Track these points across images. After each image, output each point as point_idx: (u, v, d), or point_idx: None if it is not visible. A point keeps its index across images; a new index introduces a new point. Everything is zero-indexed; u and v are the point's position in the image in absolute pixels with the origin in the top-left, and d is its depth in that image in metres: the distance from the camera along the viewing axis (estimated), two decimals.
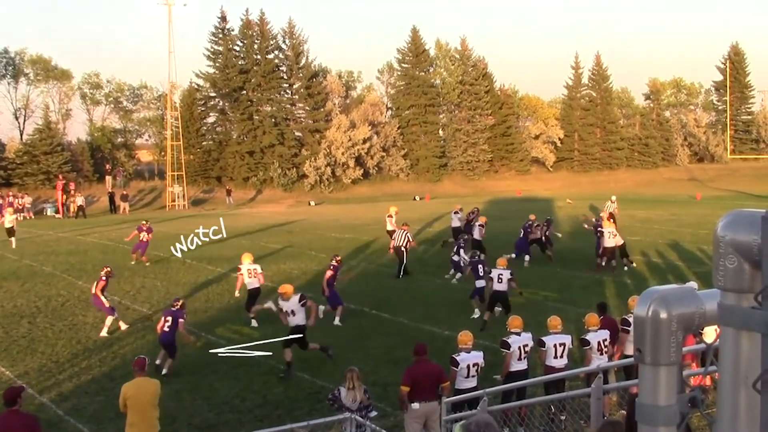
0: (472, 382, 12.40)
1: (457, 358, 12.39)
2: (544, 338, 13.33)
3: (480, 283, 21.35)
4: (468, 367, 12.34)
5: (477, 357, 12.58)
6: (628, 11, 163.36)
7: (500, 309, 20.48)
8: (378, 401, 13.19)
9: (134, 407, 10.89)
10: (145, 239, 32.32)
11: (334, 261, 22.28)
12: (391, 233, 31.57)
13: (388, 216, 33.03)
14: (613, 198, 39.71)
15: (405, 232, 28.56)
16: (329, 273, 21.70)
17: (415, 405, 11.63)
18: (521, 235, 30.92)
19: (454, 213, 35.87)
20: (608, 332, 13.59)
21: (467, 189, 76.96)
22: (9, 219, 39.31)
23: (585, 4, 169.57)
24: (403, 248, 28.01)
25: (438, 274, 27.76)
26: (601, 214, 34.04)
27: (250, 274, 21.68)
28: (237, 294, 23.66)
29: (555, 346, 13.18)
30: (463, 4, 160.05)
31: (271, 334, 19.73)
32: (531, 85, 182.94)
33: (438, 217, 45.48)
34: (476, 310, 21.22)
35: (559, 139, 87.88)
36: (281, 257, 33.01)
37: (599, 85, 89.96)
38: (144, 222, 34.02)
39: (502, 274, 20.57)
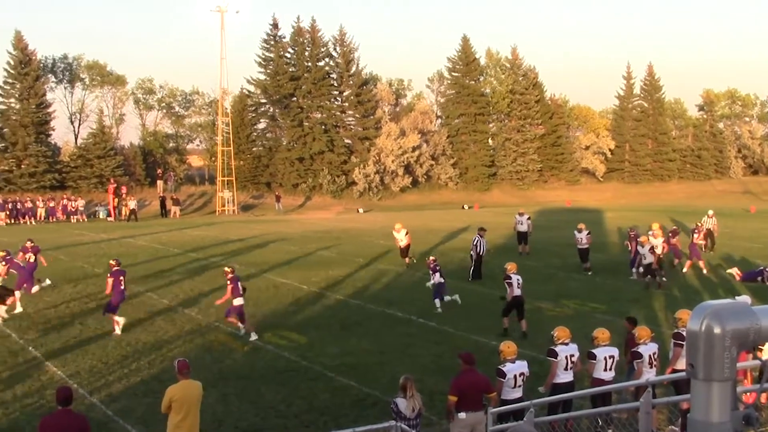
0: (518, 393, 12.33)
1: (504, 369, 12.33)
2: (594, 350, 13.21)
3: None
4: (515, 377, 12.28)
5: (522, 367, 12.51)
6: (682, 21, 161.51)
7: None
8: (425, 410, 13.15)
9: (180, 409, 10.98)
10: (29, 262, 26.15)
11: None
12: (405, 248, 31.60)
13: (406, 233, 32.59)
14: (710, 212, 36.79)
15: (480, 238, 29.27)
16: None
17: (462, 415, 11.58)
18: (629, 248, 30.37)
19: (519, 215, 35.85)
20: (656, 346, 13.43)
21: (516, 198, 76.60)
22: None
23: (637, 14, 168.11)
24: (479, 254, 28.65)
25: (485, 283, 27.66)
26: (695, 229, 32.35)
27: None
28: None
29: (605, 358, 13.06)
30: (515, 14, 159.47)
31: (319, 339, 19.83)
32: (582, 95, 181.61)
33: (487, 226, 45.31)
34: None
35: (610, 149, 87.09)
36: (329, 264, 33.11)
37: (651, 95, 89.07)
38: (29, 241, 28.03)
39: (519, 279, 20.89)
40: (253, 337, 19.92)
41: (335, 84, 79.26)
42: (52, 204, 60.84)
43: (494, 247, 35.60)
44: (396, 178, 76.47)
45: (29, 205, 59.75)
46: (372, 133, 77.87)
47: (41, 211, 59.48)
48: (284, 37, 78.39)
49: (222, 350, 18.86)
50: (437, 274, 23.83)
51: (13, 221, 57.55)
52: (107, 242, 42.51)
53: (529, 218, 36.04)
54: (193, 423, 11.11)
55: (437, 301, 23.59)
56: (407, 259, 32.11)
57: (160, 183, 70.57)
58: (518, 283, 20.82)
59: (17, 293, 22.80)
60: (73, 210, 60.74)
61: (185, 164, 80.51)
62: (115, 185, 64.16)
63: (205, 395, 11.62)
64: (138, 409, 14.58)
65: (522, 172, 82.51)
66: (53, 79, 78.04)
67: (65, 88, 79.74)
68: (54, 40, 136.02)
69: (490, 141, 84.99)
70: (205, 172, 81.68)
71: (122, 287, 21.38)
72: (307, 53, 77.93)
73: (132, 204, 60.65)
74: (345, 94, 79.75)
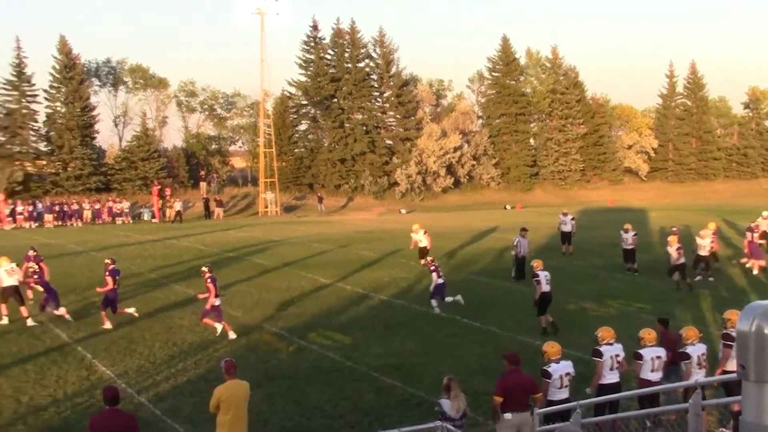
0: (565, 393, 12.29)
1: (549, 369, 12.30)
2: (640, 351, 13.13)
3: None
4: (561, 377, 12.25)
5: (567, 366, 12.47)
6: (725, 18, 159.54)
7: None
8: (469, 410, 13.16)
9: (228, 408, 11.11)
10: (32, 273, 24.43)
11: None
12: (424, 250, 31.46)
13: (425, 233, 32.40)
14: (766, 213, 34.56)
15: (522, 238, 29.24)
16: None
17: (508, 415, 11.59)
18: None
19: (563, 215, 35.67)
20: (705, 347, 13.31)
21: (559, 198, 76.20)
22: None
23: (679, 12, 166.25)
24: (520, 254, 28.68)
25: (529, 283, 27.54)
26: (753, 228, 31.40)
27: None
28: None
29: (652, 359, 12.98)
30: (555, 13, 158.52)
31: (363, 339, 19.92)
32: (624, 94, 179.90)
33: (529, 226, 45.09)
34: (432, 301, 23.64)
35: (653, 148, 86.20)
36: (373, 264, 33.20)
37: (695, 94, 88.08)
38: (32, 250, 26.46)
39: (547, 276, 21.09)
40: (232, 336, 20.15)
41: (375, 85, 79.44)
42: (97, 206, 61.65)
43: (537, 247, 35.46)
44: (438, 179, 76.44)
45: (75, 207, 60.59)
46: (413, 133, 77.92)
47: (87, 213, 60.28)
48: (324, 39, 78.73)
49: (267, 350, 19.00)
50: (435, 275, 23.87)
51: (60, 223, 58.39)
52: (152, 243, 42.97)
53: (573, 218, 35.84)
54: (240, 422, 11.24)
55: (434, 302, 23.62)
56: (426, 260, 31.89)
57: (203, 185, 71.16)
58: (546, 280, 21.04)
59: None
60: (118, 212, 61.53)
61: (228, 166, 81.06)
62: (159, 187, 64.85)
63: (251, 395, 11.73)
64: (185, 408, 14.75)
65: (564, 172, 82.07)
66: (97, 82, 79.06)
67: (109, 91, 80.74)
68: (98, 45, 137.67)
69: (531, 141, 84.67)
70: (247, 173, 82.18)
71: (115, 285, 21.95)
72: (347, 54, 78.17)
73: (177, 206, 61.24)
74: (386, 95, 79.89)
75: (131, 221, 61.17)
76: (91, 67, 77.92)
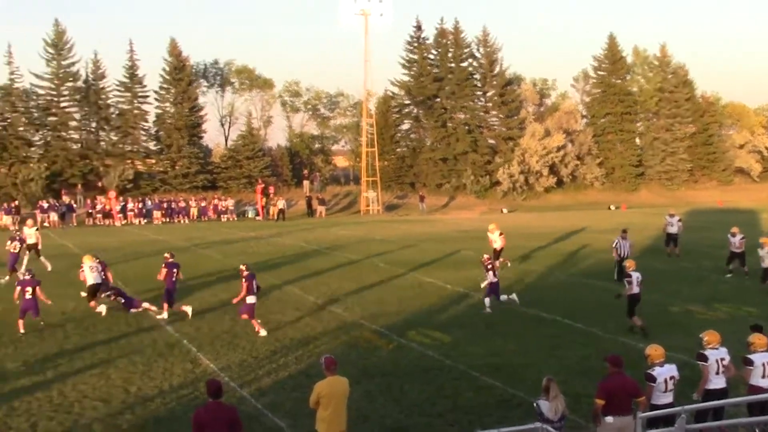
0: (669, 398, 11.96)
1: (654, 373, 11.98)
2: (751, 356, 12.64)
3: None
4: (665, 381, 11.92)
5: (672, 370, 12.13)
6: None
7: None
8: (570, 412, 12.95)
9: (328, 404, 11.17)
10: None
11: None
12: (498, 251, 30.98)
13: (500, 234, 31.64)
14: None
15: (623, 239, 28.62)
16: None
17: (610, 419, 11.33)
18: None
19: (670, 216, 34.86)
20: None
21: (665, 199, 74.54)
22: None
23: None
24: (621, 255, 28.04)
25: None
26: None
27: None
28: None
29: (764, 365, 12.48)
30: (664, 10, 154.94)
31: (463, 338, 19.82)
32: (736, 93, 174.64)
33: (635, 227, 44.26)
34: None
35: (767, 148, 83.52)
36: (474, 263, 32.97)
37: None
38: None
39: (639, 277, 20.73)
40: (263, 333, 20.25)
41: (478, 84, 79.16)
42: (203, 203, 63.09)
43: (642, 248, 34.76)
44: (540, 178, 75.67)
45: (183, 204, 62.15)
46: (516, 133, 77.35)
47: (194, 211, 61.75)
48: (428, 39, 78.88)
49: (367, 347, 19.07)
50: (491, 273, 23.63)
51: (167, 220, 59.92)
52: (256, 241, 43.69)
53: (680, 220, 34.96)
54: (340, 418, 11.29)
55: (487, 300, 23.39)
56: (501, 260, 31.44)
57: (306, 183, 72.03)
58: (638, 281, 20.66)
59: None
60: (223, 209, 62.84)
61: (331, 165, 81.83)
62: (263, 185, 65.96)
63: (350, 392, 11.76)
64: (286, 403, 14.90)
65: (671, 172, 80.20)
66: (205, 83, 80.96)
67: (216, 92, 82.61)
68: (206, 47, 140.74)
69: (637, 140, 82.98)
70: (350, 172, 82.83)
71: (174, 279, 22.52)
72: (450, 54, 78.07)
73: (281, 204, 62.15)
74: (488, 94, 79.56)
75: (236, 219, 62.39)
76: (199, 68, 79.89)
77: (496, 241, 31.23)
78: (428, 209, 68.58)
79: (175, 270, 22.93)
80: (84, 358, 18.01)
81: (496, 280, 23.71)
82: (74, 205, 60.57)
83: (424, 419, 14.15)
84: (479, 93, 79.59)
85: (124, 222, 58.32)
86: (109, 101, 71.67)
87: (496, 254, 30.72)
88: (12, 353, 18.55)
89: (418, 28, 78.26)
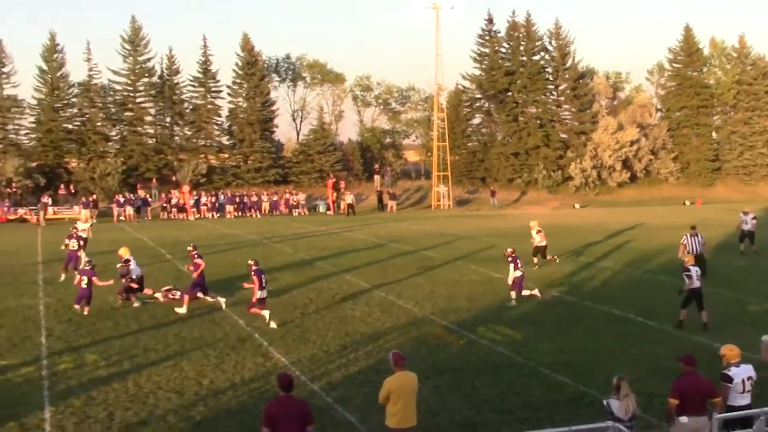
0: (746, 399, 11.67)
1: (730, 373, 11.71)
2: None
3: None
4: (742, 381, 11.64)
5: (749, 370, 11.84)
6: None
7: None
8: (642, 412, 12.77)
9: (397, 400, 11.18)
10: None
11: None
12: (541, 248, 30.47)
13: (538, 232, 31.12)
14: None
15: (692, 236, 28.07)
16: None
17: (684, 419, 11.14)
18: None
19: (744, 214, 34.09)
20: None
21: (742, 194, 72.95)
22: None
23: None
24: (696, 252, 27.33)
25: (709, 282, 26.49)
26: None
27: None
28: None
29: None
30: (743, 0, 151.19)
31: (533, 335, 19.68)
32: None
33: (710, 223, 43.44)
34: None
35: None
36: (544, 260, 32.76)
37: None
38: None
39: (698, 271, 20.77)
40: (273, 325, 20.51)
41: (551, 78, 78.41)
42: (275, 198, 63.70)
43: (716, 245, 34.18)
44: (613, 173, 74.69)
45: (254, 199, 62.83)
46: (588, 127, 76.49)
47: (265, 205, 62.37)
48: (499, 32, 78.44)
49: (437, 343, 19.05)
50: (512, 266, 23.72)
51: (240, 214, 60.63)
52: (327, 235, 43.96)
53: (754, 217, 34.16)
54: (410, 413, 11.30)
55: (513, 294, 23.55)
56: (549, 256, 30.95)
57: (377, 178, 72.24)
58: (697, 275, 20.51)
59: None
60: (294, 204, 63.36)
61: (401, 159, 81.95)
62: (334, 180, 66.38)
63: (421, 387, 11.77)
64: (356, 397, 14.97)
65: (749, 167, 78.40)
66: (277, 78, 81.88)
67: (288, 86, 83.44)
68: (278, 42, 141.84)
69: (714, 134, 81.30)
70: (420, 167, 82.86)
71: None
72: (522, 47, 77.50)
73: (349, 198, 62.47)
74: (561, 88, 78.78)
75: (307, 213, 62.86)
76: (271, 63, 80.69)
77: (535, 238, 30.88)
78: (499, 204, 68.29)
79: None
80: (158, 351, 18.35)
81: (520, 274, 23.79)
82: (149, 199, 61.75)
83: (493, 416, 14.09)
84: (551, 87, 78.86)
85: (197, 216, 59.21)
86: (183, 96, 72.84)
87: (540, 251, 30.43)
88: (90, 344, 18.98)
89: (490, 21, 77.90)
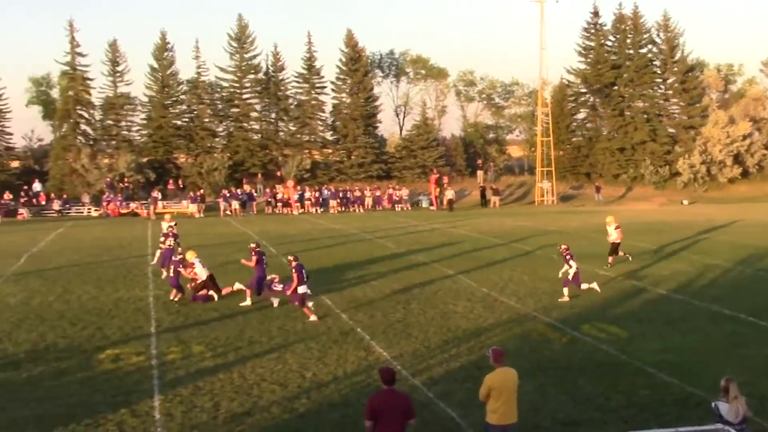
0: None
1: None
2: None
3: None
4: None
5: None
6: None
7: None
8: (753, 414, 12.38)
9: (498, 396, 11.12)
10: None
11: None
12: (614, 245, 29.44)
13: (616, 228, 30.00)
14: None
15: None
16: None
17: None
18: None
19: None
20: None
21: None
22: None
23: None
24: None
25: None
26: None
27: None
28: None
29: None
30: None
31: (639, 333, 19.31)
32: None
33: None
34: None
35: None
36: (651, 257, 32.14)
37: None
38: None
39: None
40: (313, 318, 20.88)
41: (658, 71, 76.59)
42: (378, 193, 64.02)
43: None
44: (724, 169, 72.55)
45: (358, 194, 63.29)
46: (698, 121, 74.48)
47: (368, 200, 62.77)
48: (605, 25, 77.02)
49: (540, 340, 18.88)
50: (570, 263, 23.72)
51: (343, 209, 61.17)
52: (429, 230, 43.98)
53: None
54: (511, 409, 11.22)
55: (566, 290, 23.52)
56: (621, 254, 29.97)
57: (480, 173, 71.95)
58: None
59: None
60: (397, 199, 63.56)
61: (505, 155, 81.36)
62: (437, 175, 66.32)
63: (523, 384, 11.68)
64: (457, 393, 14.93)
65: None
66: (380, 73, 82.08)
67: (391, 82, 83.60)
68: (381, 37, 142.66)
69: None
70: (524, 162, 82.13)
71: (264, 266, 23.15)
72: (628, 40, 75.95)
73: (449, 194, 62.38)
74: (669, 81, 76.90)
75: (410, 208, 63.00)
76: (374, 59, 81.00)
77: (612, 234, 29.96)
78: (604, 200, 67.26)
79: (264, 258, 24.03)
80: (262, 343, 18.65)
81: (575, 270, 23.69)
82: (255, 194, 62.86)
83: (597, 414, 13.89)
84: (659, 80, 77.05)
85: (301, 211, 59.97)
86: (288, 92, 73.83)
87: (615, 248, 29.59)
88: (197, 335, 19.43)
89: (595, 14, 76.58)
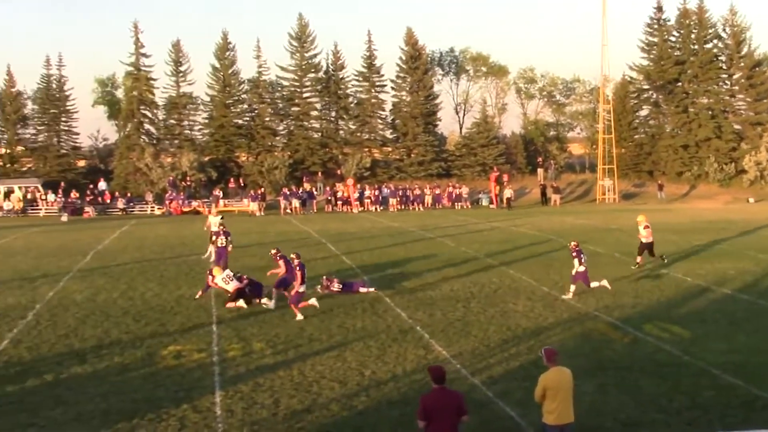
0: None
1: None
2: None
3: None
4: None
5: None
6: None
7: None
8: None
9: (554, 396, 11.03)
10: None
11: None
12: (648, 245, 28.58)
13: (645, 228, 28.90)
14: None
15: None
16: None
17: None
18: None
19: None
20: None
21: None
22: None
23: None
24: None
25: None
26: None
27: None
28: None
29: None
30: None
31: (703, 334, 18.98)
32: None
33: None
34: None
35: None
36: (716, 256, 31.59)
37: None
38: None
39: None
40: (299, 317, 20.81)
41: (724, 67, 75.31)
42: (437, 191, 63.91)
43: None
44: None
45: (417, 192, 63.25)
46: (765, 117, 73.05)
47: (428, 198, 62.70)
48: (669, 20, 75.97)
49: (601, 340, 18.65)
50: (577, 261, 23.36)
51: (403, 207, 61.19)
52: (489, 229, 43.79)
53: None
54: (568, 409, 11.12)
55: (572, 287, 23.50)
56: (655, 255, 29.08)
57: (540, 171, 71.46)
58: None
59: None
60: (457, 197, 63.40)
61: (566, 152, 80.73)
62: (497, 173, 66.03)
63: (583, 384, 11.57)
64: (516, 392, 14.81)
65: None
66: (440, 71, 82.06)
67: (451, 80, 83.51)
68: (441, 35, 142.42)
69: None
70: (585, 160, 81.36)
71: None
72: (693, 36, 74.80)
73: (507, 192, 62.05)
74: (735, 77, 75.56)
75: (470, 206, 62.80)
76: (434, 56, 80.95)
77: (643, 233, 29.01)
78: (667, 198, 66.34)
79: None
80: (322, 341, 18.72)
81: (584, 269, 23.44)
82: (315, 192, 63.21)
83: (659, 416, 13.66)
84: (724, 76, 75.74)
85: (361, 209, 60.15)
86: (348, 91, 74.15)
87: (647, 248, 28.59)
88: (257, 333, 19.58)
89: (659, 9, 75.50)
